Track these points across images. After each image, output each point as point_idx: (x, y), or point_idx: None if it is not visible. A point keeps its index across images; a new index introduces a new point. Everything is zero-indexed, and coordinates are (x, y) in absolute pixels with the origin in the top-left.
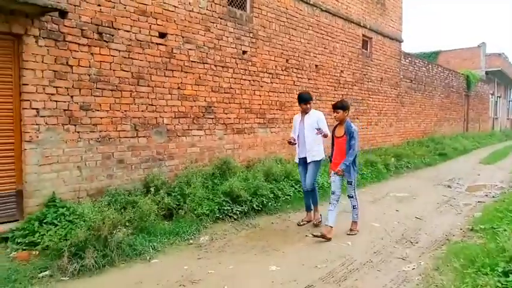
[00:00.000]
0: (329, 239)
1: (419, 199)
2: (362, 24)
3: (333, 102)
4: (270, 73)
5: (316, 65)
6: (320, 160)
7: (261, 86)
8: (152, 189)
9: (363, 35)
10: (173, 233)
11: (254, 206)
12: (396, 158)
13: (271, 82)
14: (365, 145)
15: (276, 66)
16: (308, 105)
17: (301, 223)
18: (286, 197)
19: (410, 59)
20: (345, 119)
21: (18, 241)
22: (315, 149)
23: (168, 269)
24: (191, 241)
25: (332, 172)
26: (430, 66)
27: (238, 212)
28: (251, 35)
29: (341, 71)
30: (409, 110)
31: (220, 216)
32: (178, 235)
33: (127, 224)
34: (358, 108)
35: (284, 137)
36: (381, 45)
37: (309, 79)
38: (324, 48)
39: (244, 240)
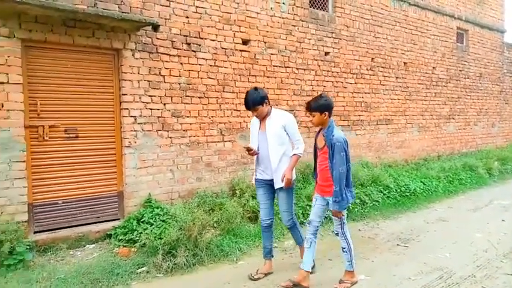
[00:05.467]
0: None
1: None
2: (456, 16)
3: (424, 102)
4: (354, 73)
5: (404, 63)
6: (292, 183)
7: (345, 87)
8: (237, 192)
9: (458, 28)
10: (258, 236)
11: None
12: (500, 161)
13: (355, 82)
14: (463, 147)
15: (360, 65)
16: (259, 111)
17: (255, 276)
18: (374, 203)
19: None
20: (326, 123)
21: (120, 238)
22: (284, 168)
23: (254, 271)
24: (275, 245)
25: (315, 195)
26: None
27: None
28: (334, 35)
29: (433, 68)
30: None
31: (304, 221)
32: None
33: (215, 225)
34: (453, 107)
35: (370, 140)
36: (479, 37)
37: (397, 78)
38: (414, 44)
39: (329, 247)
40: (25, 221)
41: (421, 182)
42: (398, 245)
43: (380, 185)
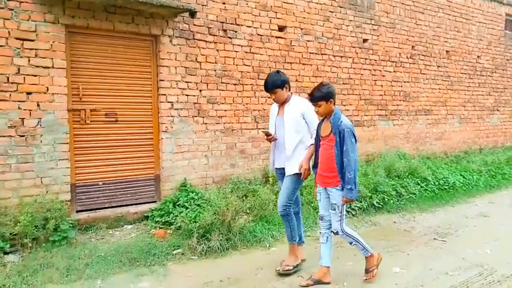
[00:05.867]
0: (327, 283)
1: None
2: (505, 2)
3: (467, 92)
4: (393, 61)
5: (447, 51)
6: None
7: (383, 76)
8: (270, 179)
9: (507, 14)
10: None
11: (374, 202)
12: None
13: (394, 71)
14: (507, 141)
15: (400, 53)
16: (277, 94)
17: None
18: (410, 195)
19: None
20: (332, 110)
21: (156, 220)
22: (298, 157)
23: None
24: (308, 233)
25: (318, 188)
26: None
27: (356, 208)
28: (373, 22)
29: (478, 57)
30: None
31: (350, 211)
32: None
33: (248, 211)
34: (498, 98)
35: (409, 131)
36: None
37: (438, 66)
38: (457, 31)
39: (365, 237)
40: (68, 200)
41: (461, 175)
42: (435, 239)
43: (417, 177)
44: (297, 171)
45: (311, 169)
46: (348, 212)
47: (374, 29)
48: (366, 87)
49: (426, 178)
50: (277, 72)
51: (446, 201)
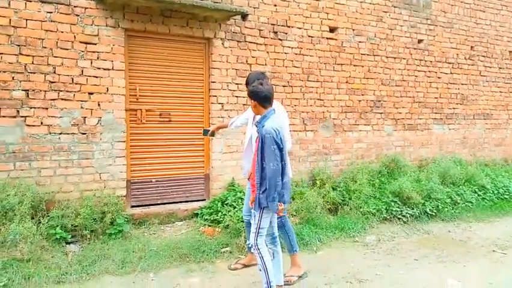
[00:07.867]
0: None
1: None
2: None
3: None
4: (450, 63)
5: (510, 51)
6: None
7: (439, 78)
8: (318, 182)
9: None
10: (339, 228)
11: (427, 210)
12: None
13: (451, 73)
14: None
15: (457, 54)
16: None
17: (232, 266)
18: (466, 203)
19: None
20: (260, 112)
21: (205, 218)
22: None
23: (334, 263)
24: (356, 238)
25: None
26: None
27: (408, 215)
28: (429, 21)
29: None
30: None
31: (388, 217)
32: (343, 231)
33: (294, 213)
34: None
35: (465, 135)
36: None
37: (500, 68)
38: None
39: (415, 246)
40: (124, 196)
41: None
42: (494, 251)
43: (474, 184)
44: None
45: None
46: (399, 218)
47: (430, 29)
48: (420, 89)
49: (484, 186)
50: (260, 82)
51: (507, 211)
